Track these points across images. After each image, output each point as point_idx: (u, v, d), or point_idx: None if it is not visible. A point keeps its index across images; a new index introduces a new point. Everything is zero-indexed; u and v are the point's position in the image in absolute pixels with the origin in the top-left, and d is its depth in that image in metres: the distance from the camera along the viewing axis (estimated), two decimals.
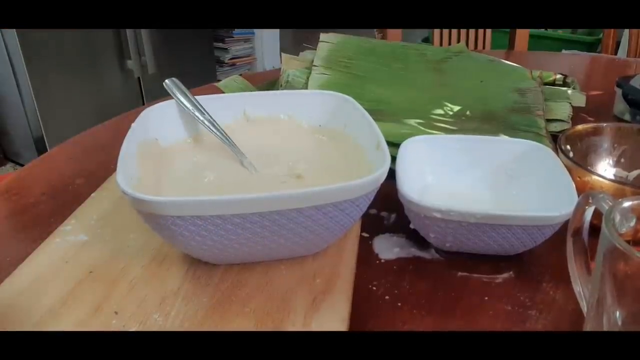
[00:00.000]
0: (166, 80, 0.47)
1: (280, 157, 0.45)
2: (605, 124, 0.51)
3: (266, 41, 2.77)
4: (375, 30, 1.56)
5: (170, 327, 0.33)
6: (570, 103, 0.64)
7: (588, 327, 0.31)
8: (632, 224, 0.29)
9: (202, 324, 0.33)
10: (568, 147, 0.48)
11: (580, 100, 0.66)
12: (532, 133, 0.57)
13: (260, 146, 0.46)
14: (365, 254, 0.41)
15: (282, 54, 0.71)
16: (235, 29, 2.59)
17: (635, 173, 0.49)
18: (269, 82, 0.72)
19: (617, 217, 0.28)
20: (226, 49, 2.58)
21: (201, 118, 0.45)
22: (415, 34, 2.63)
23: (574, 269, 0.34)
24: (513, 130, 0.58)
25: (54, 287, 0.36)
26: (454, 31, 1.37)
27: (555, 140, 0.57)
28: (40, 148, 1.78)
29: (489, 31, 1.35)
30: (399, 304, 0.37)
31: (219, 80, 0.71)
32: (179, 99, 0.46)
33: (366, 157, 0.41)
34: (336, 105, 0.47)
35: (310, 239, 0.35)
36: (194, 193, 0.41)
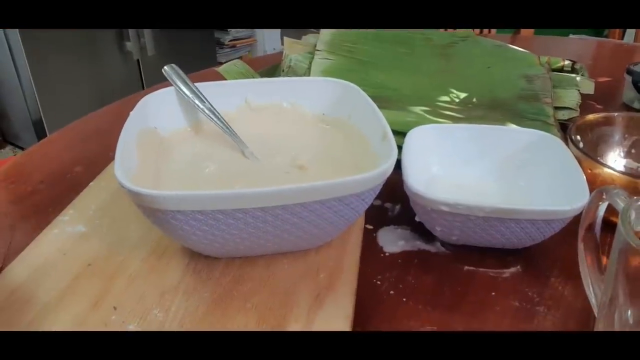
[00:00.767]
0: (165, 67, 0.45)
1: (282, 147, 0.44)
2: (616, 114, 0.49)
3: None
4: None
5: (171, 323, 0.32)
6: (578, 90, 0.62)
7: (599, 326, 0.30)
8: None
9: (203, 320, 0.32)
10: (578, 137, 0.46)
11: (589, 87, 0.64)
12: (539, 121, 0.56)
13: (262, 135, 0.45)
14: (370, 246, 0.41)
15: (285, 38, 0.69)
16: None
17: None
18: (271, 67, 0.71)
19: (633, 215, 0.27)
20: (226, 30, 2.54)
21: (201, 106, 0.44)
22: None
23: (585, 266, 0.33)
24: (520, 118, 0.56)
25: (51, 280, 0.35)
26: None
27: (563, 128, 0.56)
28: (39, 130, 1.77)
29: None
30: (404, 299, 0.36)
31: (219, 63, 0.70)
32: (178, 86, 0.44)
33: (371, 147, 0.40)
34: (340, 92, 0.46)
35: (314, 233, 0.35)
36: (194, 184, 0.40)
